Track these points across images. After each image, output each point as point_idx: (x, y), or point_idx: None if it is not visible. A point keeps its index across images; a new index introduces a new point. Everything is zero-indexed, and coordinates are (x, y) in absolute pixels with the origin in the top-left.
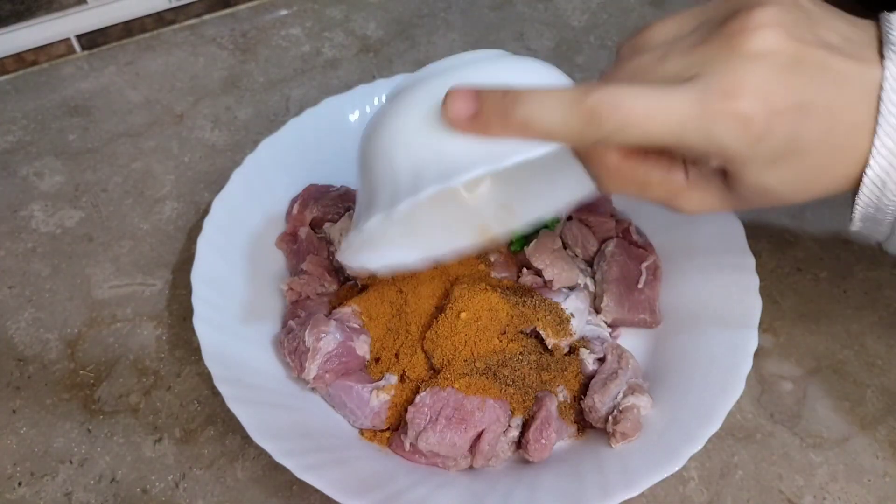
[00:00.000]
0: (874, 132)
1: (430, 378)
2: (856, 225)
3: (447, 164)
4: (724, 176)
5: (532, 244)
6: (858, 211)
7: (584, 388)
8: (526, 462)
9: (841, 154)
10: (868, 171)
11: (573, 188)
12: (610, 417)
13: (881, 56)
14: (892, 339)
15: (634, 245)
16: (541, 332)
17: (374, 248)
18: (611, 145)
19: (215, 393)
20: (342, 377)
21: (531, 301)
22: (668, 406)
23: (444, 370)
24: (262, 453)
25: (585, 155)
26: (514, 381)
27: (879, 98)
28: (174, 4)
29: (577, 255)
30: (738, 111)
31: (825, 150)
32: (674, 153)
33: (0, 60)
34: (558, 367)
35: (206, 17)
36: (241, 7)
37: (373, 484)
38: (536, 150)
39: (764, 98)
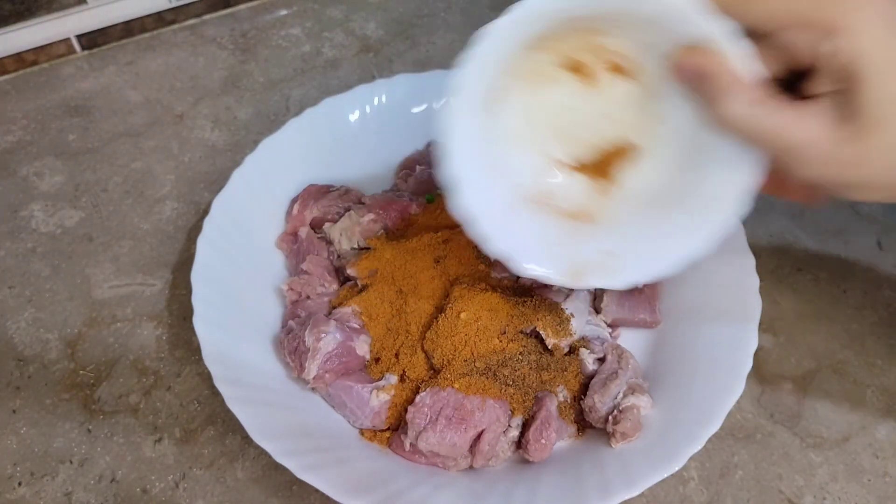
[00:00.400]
0: None
1: (430, 378)
2: None
3: None
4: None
5: None
6: None
7: (584, 388)
8: (526, 462)
9: None
10: None
11: (688, 247)
12: (610, 417)
13: None
14: (892, 339)
15: None
16: (541, 332)
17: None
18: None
19: (215, 393)
20: (342, 377)
21: (531, 301)
22: (668, 406)
23: (444, 370)
24: (262, 453)
25: (704, 79)
26: (514, 381)
27: None
28: (174, 4)
29: None
30: None
31: None
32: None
33: (0, 60)
34: (558, 367)
35: (206, 17)
36: (241, 7)
37: (373, 484)
38: None
39: None
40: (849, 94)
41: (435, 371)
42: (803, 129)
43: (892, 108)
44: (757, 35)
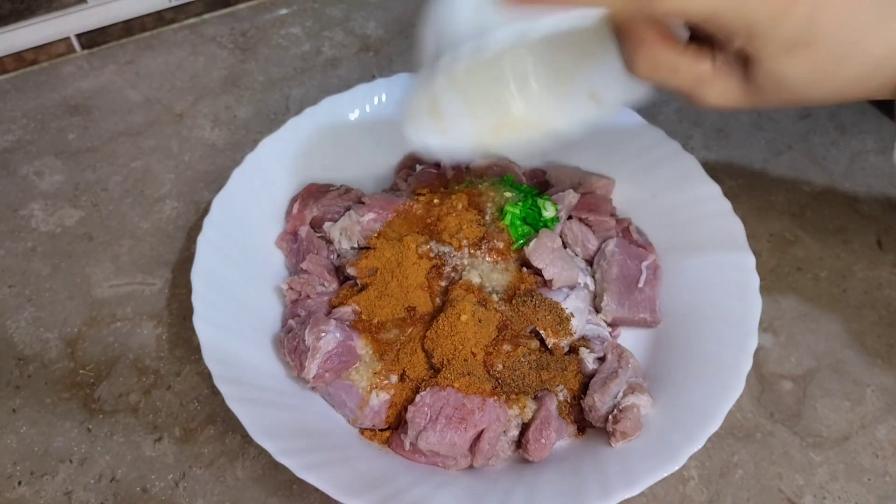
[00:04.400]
0: None
1: (430, 378)
2: None
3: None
4: (745, 67)
5: (532, 244)
6: None
7: (584, 388)
8: (526, 462)
9: (855, 50)
10: None
11: (613, 95)
12: (610, 417)
13: None
14: (892, 338)
15: (634, 244)
16: (541, 332)
17: (436, 123)
18: (652, 17)
19: (215, 392)
20: (342, 376)
21: (531, 301)
22: (668, 405)
23: (444, 370)
24: (261, 452)
25: (624, 34)
26: (514, 381)
27: None
28: (174, 3)
29: (577, 255)
30: None
31: (839, 43)
32: (701, 43)
33: (0, 60)
34: (558, 366)
35: (206, 16)
36: (241, 6)
37: (373, 483)
38: (576, 17)
39: None
40: (748, 67)
41: (435, 371)
42: (716, 90)
43: (779, 83)
44: None
